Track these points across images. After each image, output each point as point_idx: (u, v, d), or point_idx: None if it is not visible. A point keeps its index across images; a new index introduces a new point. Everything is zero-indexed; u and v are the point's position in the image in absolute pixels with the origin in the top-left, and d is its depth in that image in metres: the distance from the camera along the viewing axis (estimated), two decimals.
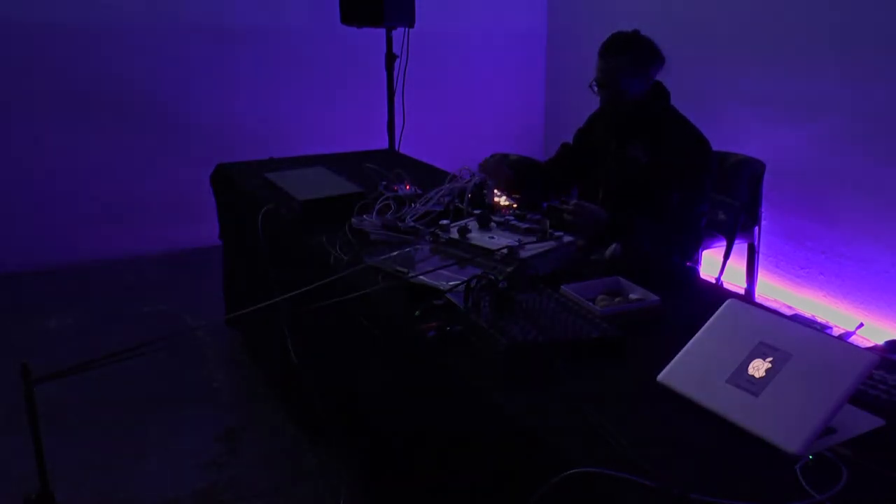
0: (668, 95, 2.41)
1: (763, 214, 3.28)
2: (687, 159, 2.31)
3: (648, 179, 2.35)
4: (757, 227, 3.23)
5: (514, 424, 1.32)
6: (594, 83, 2.37)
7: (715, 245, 3.05)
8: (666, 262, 2.25)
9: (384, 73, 4.05)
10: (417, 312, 1.65)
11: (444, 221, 2.11)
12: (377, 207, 2.40)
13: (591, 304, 1.70)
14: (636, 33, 2.35)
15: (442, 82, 5.04)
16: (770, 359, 1.29)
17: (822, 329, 2.86)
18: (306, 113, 4.72)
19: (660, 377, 1.39)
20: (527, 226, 2.06)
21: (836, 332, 3.37)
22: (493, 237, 2.02)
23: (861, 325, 3.35)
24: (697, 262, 2.65)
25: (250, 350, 3.25)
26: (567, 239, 2.02)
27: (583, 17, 5.06)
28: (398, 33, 3.94)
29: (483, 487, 1.45)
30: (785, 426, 1.18)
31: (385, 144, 4.14)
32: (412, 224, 2.28)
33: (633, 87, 2.33)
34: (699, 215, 2.35)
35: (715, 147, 2.41)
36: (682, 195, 2.29)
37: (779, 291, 3.79)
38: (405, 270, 1.90)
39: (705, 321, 1.43)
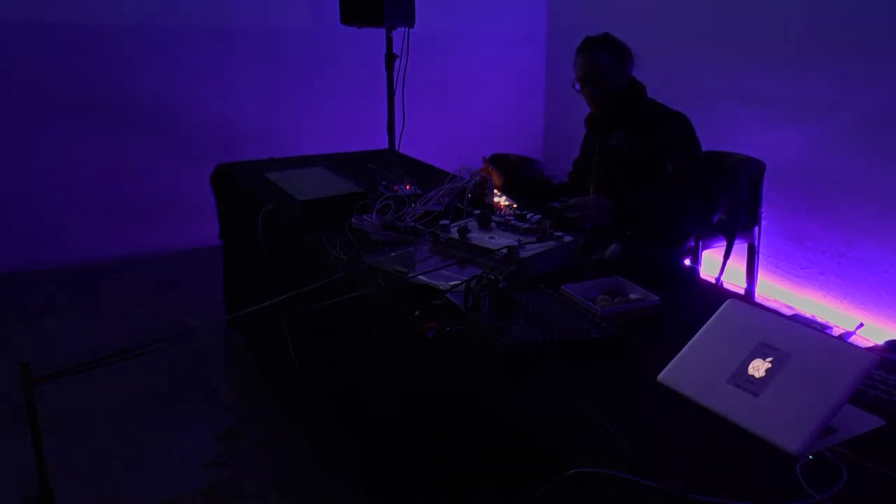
0: (645, 90, 2.51)
1: (763, 214, 3.28)
2: (670, 131, 2.40)
3: (632, 163, 2.43)
4: (757, 227, 3.24)
5: (514, 424, 1.32)
6: (576, 82, 2.47)
7: (715, 245, 3.05)
8: (667, 261, 2.25)
9: (384, 73, 4.05)
10: (417, 312, 1.65)
11: (444, 221, 2.11)
12: (377, 207, 2.40)
13: (591, 304, 1.70)
14: (608, 34, 2.48)
15: (442, 82, 5.04)
16: (770, 359, 1.29)
17: (822, 329, 2.86)
18: (306, 113, 4.72)
19: (660, 377, 1.39)
20: (527, 226, 2.06)
21: (836, 332, 3.37)
22: (493, 237, 2.02)
23: (861, 325, 3.35)
24: (698, 261, 2.66)
25: (250, 350, 3.25)
26: (567, 239, 2.02)
27: (583, 18, 5.05)
28: (398, 33, 3.94)
29: (483, 487, 1.45)
30: (785, 426, 1.18)
31: (385, 144, 4.14)
32: (412, 224, 2.28)
33: (614, 81, 2.44)
34: (702, 174, 2.39)
35: (715, 147, 2.42)
36: (675, 165, 2.36)
37: (779, 291, 3.79)
38: (405, 270, 1.90)
39: (705, 321, 1.43)
